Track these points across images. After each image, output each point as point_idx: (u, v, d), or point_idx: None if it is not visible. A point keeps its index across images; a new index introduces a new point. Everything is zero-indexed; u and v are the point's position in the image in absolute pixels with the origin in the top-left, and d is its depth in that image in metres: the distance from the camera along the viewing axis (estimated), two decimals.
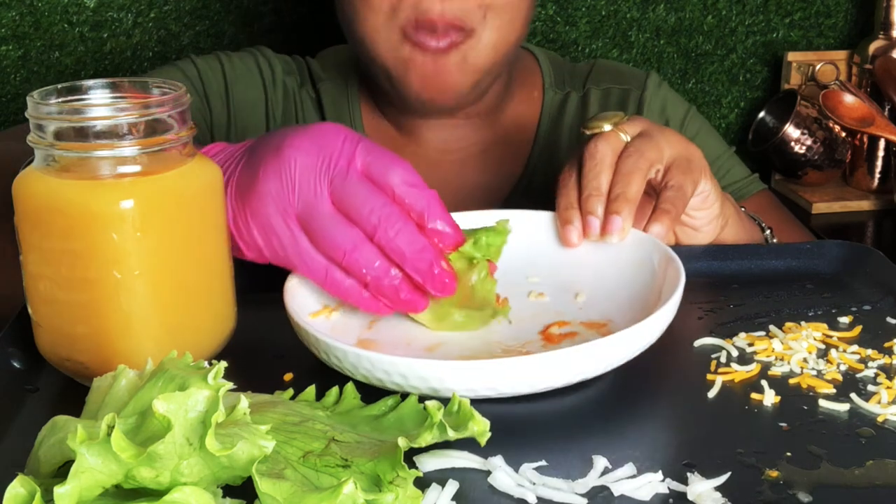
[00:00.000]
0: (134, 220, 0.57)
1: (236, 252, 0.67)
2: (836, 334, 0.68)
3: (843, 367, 0.64)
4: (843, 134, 1.55)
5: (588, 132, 0.77)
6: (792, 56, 1.58)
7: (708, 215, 0.80)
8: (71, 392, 0.61)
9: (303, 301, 0.66)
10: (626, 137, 0.76)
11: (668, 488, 0.51)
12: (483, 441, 0.52)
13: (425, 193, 0.64)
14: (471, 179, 1.06)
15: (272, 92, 1.06)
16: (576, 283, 0.72)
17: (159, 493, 0.44)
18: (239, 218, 0.66)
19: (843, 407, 0.59)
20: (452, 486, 0.51)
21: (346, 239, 0.63)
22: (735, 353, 0.66)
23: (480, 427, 0.51)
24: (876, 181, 1.57)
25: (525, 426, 0.57)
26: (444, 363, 0.56)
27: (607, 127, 0.76)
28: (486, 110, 1.05)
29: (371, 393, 0.58)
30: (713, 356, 0.66)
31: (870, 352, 0.66)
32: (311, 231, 0.64)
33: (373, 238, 0.63)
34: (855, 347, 0.66)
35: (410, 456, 0.52)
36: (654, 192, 0.77)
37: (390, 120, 1.06)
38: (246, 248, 0.67)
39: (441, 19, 0.89)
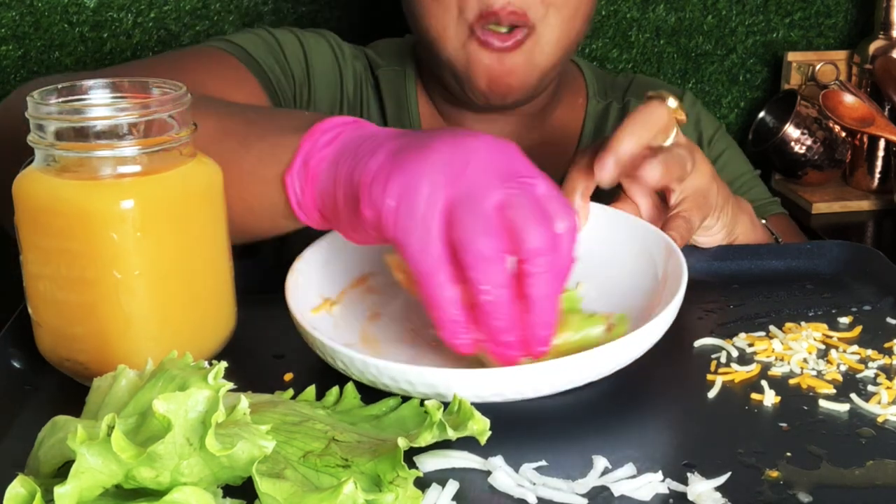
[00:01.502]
0: (134, 220, 0.57)
1: (360, 212, 0.59)
2: (836, 334, 0.68)
3: (843, 368, 0.64)
4: (843, 134, 1.55)
5: (653, 95, 0.79)
6: (792, 56, 1.58)
7: (711, 241, 0.81)
8: (71, 392, 0.61)
9: (303, 297, 0.66)
10: (675, 126, 0.78)
11: (668, 488, 0.51)
12: (483, 440, 0.52)
13: (571, 256, 0.59)
14: None
15: (344, 69, 1.07)
16: (576, 274, 0.72)
17: (159, 493, 0.44)
18: (382, 172, 0.57)
19: (843, 407, 0.59)
20: (452, 486, 0.51)
21: (490, 245, 0.55)
22: (735, 354, 0.66)
23: (480, 426, 0.51)
24: (876, 181, 1.57)
25: (525, 426, 0.57)
26: (451, 371, 0.56)
27: (672, 102, 0.77)
28: (536, 110, 1.07)
29: (371, 393, 0.58)
30: (713, 356, 0.66)
31: (870, 352, 0.66)
32: (455, 219, 0.56)
33: (521, 271, 0.57)
34: (855, 348, 0.66)
35: (411, 456, 0.52)
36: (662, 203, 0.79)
37: (440, 112, 1.08)
38: (368, 205, 0.58)
39: (504, 11, 0.91)
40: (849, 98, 1.48)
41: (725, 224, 0.81)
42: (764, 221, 0.90)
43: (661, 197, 0.78)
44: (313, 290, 0.68)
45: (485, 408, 0.53)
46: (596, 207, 0.75)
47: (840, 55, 1.59)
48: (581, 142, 1.10)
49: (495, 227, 0.56)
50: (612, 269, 0.71)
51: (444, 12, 0.94)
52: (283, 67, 1.01)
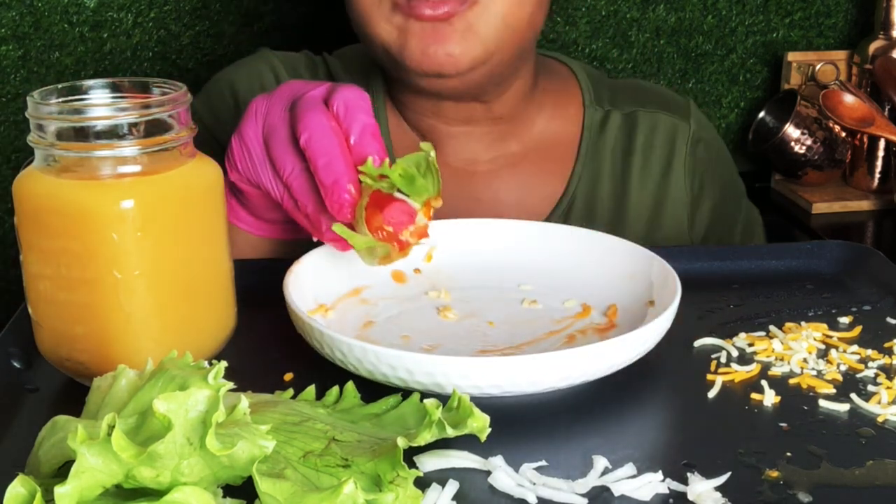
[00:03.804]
0: (134, 220, 0.57)
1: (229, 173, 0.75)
2: (836, 334, 0.68)
3: (843, 368, 0.64)
4: (843, 134, 1.55)
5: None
6: (792, 56, 1.58)
7: None
8: (71, 392, 0.61)
9: (300, 298, 0.66)
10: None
11: (668, 488, 0.51)
12: (483, 437, 0.52)
13: (360, 116, 0.68)
14: (505, 196, 1.00)
15: None
16: (567, 291, 0.73)
17: (159, 493, 0.44)
18: (234, 138, 0.74)
19: (843, 407, 0.60)
20: (452, 486, 0.51)
21: (286, 163, 0.70)
22: (735, 354, 0.66)
23: (480, 423, 0.51)
24: (876, 181, 1.57)
25: (525, 426, 0.57)
26: (452, 359, 0.56)
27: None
28: (510, 116, 0.99)
29: (371, 393, 0.58)
30: (713, 356, 0.66)
31: (870, 352, 0.66)
32: (269, 153, 0.72)
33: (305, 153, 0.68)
34: (855, 347, 0.66)
35: (411, 456, 0.52)
36: None
37: (413, 128, 1.01)
38: (230, 168, 0.75)
39: None
40: (849, 98, 1.48)
41: None
42: None
43: None
44: (309, 295, 0.68)
45: (485, 408, 0.53)
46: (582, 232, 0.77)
47: (840, 55, 1.59)
48: (579, 155, 1.01)
49: (286, 147, 0.70)
50: (603, 287, 0.72)
51: None
52: (217, 118, 1.01)
